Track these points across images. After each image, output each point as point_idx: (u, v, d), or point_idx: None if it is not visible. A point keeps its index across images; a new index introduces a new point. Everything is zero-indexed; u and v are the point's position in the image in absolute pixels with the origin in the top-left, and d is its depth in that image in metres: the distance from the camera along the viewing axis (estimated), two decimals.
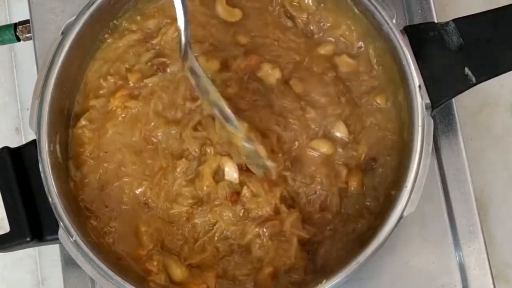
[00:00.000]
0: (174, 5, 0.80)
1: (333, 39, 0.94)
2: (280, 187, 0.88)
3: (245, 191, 0.87)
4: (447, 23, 0.89)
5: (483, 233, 0.95)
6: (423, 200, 0.87)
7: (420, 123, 0.85)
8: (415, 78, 0.86)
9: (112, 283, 0.84)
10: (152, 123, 0.90)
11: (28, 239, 0.86)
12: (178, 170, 0.89)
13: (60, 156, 0.89)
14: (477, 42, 0.88)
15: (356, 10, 0.90)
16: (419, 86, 0.85)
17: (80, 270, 0.92)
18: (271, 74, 0.90)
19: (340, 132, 0.90)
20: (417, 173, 0.84)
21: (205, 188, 0.88)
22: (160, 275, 0.87)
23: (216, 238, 0.88)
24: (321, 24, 0.94)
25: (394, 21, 0.88)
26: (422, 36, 0.88)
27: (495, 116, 1.14)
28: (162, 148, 0.90)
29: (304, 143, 0.89)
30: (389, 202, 0.87)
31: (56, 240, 0.87)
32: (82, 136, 0.91)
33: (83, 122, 0.91)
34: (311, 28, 0.94)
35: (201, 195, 0.89)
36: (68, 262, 0.96)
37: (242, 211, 0.88)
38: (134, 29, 0.95)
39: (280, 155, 0.88)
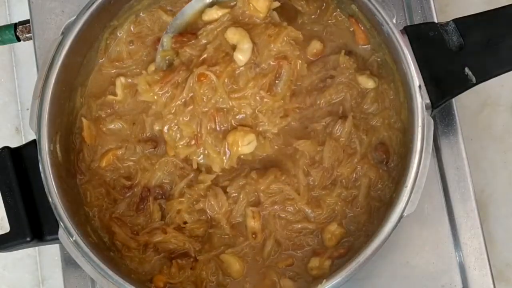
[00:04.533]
0: None
1: None
2: None
3: None
4: (447, 23, 0.89)
5: (483, 233, 0.95)
6: (423, 200, 0.87)
7: (420, 123, 0.85)
8: (415, 78, 0.86)
9: (112, 283, 0.84)
10: None
11: (28, 239, 0.87)
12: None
13: (60, 156, 0.89)
14: (477, 42, 0.88)
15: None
16: (419, 86, 0.85)
17: (80, 270, 0.92)
18: None
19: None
20: (417, 173, 0.84)
21: None
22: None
23: None
24: None
25: (394, 21, 0.88)
26: (422, 36, 0.88)
27: (495, 116, 1.14)
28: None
29: None
30: (389, 202, 0.87)
31: (56, 240, 0.87)
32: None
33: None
34: None
35: None
36: (68, 262, 0.96)
37: None
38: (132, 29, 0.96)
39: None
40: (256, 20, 0.88)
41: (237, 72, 0.87)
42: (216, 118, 0.88)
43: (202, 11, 0.90)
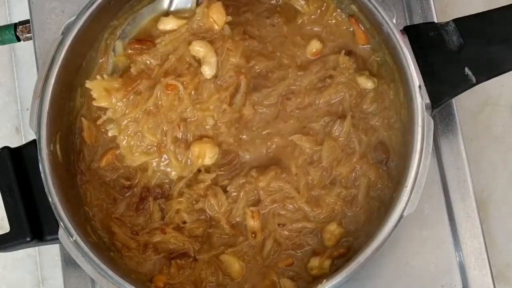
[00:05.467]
0: None
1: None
2: None
3: None
4: (447, 23, 0.89)
5: (483, 233, 0.95)
6: (423, 200, 0.87)
7: (420, 123, 0.85)
8: (415, 78, 0.86)
9: (112, 283, 0.84)
10: None
11: (28, 239, 0.87)
12: None
13: (60, 156, 0.89)
14: (477, 42, 0.88)
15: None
16: (419, 86, 0.85)
17: (80, 270, 0.92)
18: None
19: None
20: (417, 173, 0.84)
21: None
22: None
23: None
24: None
25: (394, 21, 0.88)
26: (422, 36, 0.88)
27: (495, 116, 1.14)
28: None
29: None
30: (389, 202, 0.87)
31: (56, 240, 0.87)
32: None
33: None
34: None
35: None
36: (68, 262, 0.96)
37: None
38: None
39: None
40: (211, 33, 0.90)
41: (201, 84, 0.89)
42: (180, 128, 0.89)
43: (156, 19, 0.91)
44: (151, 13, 0.91)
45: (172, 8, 0.91)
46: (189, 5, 0.91)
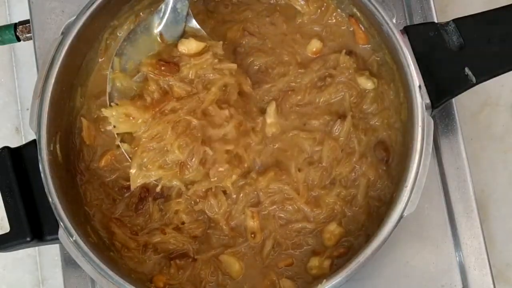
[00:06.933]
0: None
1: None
2: None
3: None
4: (447, 23, 0.89)
5: (483, 233, 0.95)
6: (423, 200, 0.87)
7: (420, 123, 0.85)
8: (415, 78, 0.86)
9: (112, 283, 0.84)
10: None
11: (28, 239, 0.87)
12: None
13: (60, 156, 0.89)
14: (477, 42, 0.88)
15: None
16: (419, 86, 0.85)
17: (80, 270, 0.92)
18: None
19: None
20: (417, 173, 0.84)
21: None
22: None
23: None
24: None
25: (394, 21, 0.88)
26: (422, 36, 0.88)
27: (495, 116, 1.14)
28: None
29: None
30: (389, 202, 0.87)
31: (56, 240, 0.87)
32: None
33: None
34: None
35: None
36: (68, 262, 0.96)
37: None
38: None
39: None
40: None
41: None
42: (207, 151, 0.88)
43: (155, 40, 0.91)
44: (143, 30, 0.91)
45: (160, 28, 0.91)
46: (178, 27, 0.90)
